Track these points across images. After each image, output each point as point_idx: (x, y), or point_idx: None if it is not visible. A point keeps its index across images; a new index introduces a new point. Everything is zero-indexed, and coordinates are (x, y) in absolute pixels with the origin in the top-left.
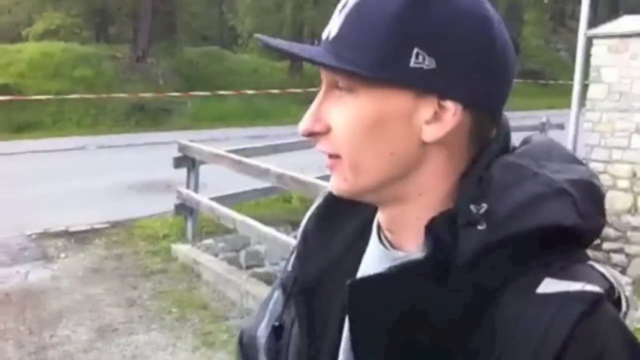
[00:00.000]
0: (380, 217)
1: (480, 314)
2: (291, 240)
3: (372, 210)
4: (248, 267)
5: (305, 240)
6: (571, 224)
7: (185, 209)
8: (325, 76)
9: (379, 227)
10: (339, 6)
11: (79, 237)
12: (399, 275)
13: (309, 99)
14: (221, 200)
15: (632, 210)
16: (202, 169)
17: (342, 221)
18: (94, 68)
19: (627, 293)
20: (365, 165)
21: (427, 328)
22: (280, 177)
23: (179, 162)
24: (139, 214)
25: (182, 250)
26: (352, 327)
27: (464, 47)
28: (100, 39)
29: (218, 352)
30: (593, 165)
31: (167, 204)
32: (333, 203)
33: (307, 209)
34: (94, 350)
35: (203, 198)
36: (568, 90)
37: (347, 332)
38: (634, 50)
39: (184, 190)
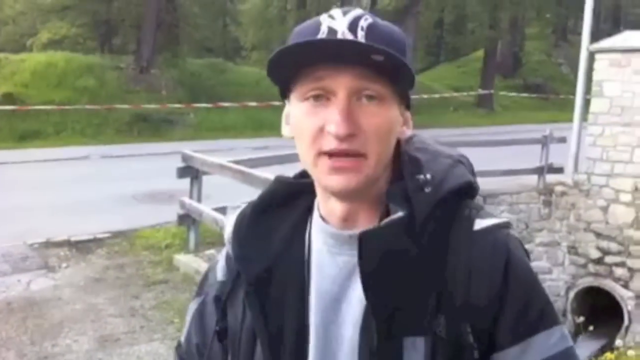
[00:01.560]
0: (336, 208)
1: (439, 252)
2: None
3: (304, 205)
4: None
5: (240, 244)
6: (474, 182)
7: (188, 219)
8: (351, 85)
9: (321, 215)
10: (343, 23)
11: (81, 247)
12: (393, 227)
13: None
14: (224, 210)
15: (635, 224)
16: (206, 179)
17: (274, 221)
18: (98, 78)
19: (630, 307)
20: (382, 162)
21: (409, 266)
22: None
23: (182, 172)
24: (142, 224)
25: (184, 260)
26: (362, 268)
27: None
28: (104, 49)
29: None
30: (595, 180)
31: (169, 214)
32: (261, 209)
33: None
34: None
35: (206, 208)
36: (570, 104)
37: (316, 304)
38: (636, 65)
39: (187, 201)
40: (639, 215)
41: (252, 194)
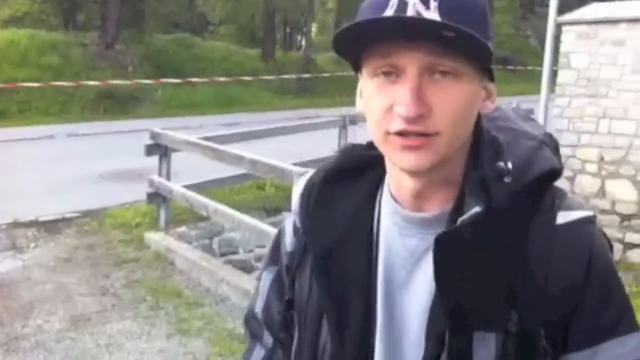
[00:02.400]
0: (408, 185)
1: (518, 245)
2: (265, 227)
3: (374, 179)
4: (222, 255)
5: (308, 215)
6: (559, 167)
7: (157, 197)
8: (422, 61)
9: (391, 193)
10: None
11: (50, 227)
12: (470, 225)
13: (281, 86)
14: (194, 187)
15: (600, 194)
16: (174, 156)
17: (342, 192)
18: (62, 55)
19: None
20: (458, 139)
21: (486, 262)
22: (254, 163)
23: (150, 150)
24: (111, 202)
25: (155, 238)
26: (437, 268)
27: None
28: (68, 26)
29: (193, 339)
30: (562, 151)
31: (139, 192)
32: (329, 180)
33: (282, 196)
34: (67, 340)
35: (176, 186)
36: (537, 76)
37: (382, 285)
38: (603, 37)
39: (156, 178)
40: (604, 185)
41: (223, 170)
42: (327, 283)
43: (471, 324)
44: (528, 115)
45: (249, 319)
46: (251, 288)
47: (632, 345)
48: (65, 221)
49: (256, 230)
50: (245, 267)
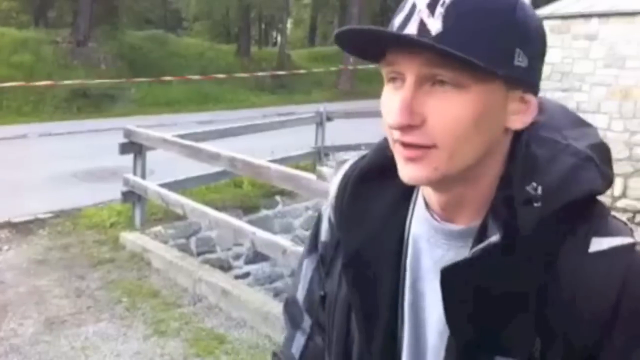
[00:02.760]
0: (432, 196)
1: (544, 272)
2: (242, 225)
3: (407, 186)
4: (199, 254)
5: (341, 212)
6: (600, 189)
7: (132, 196)
8: (419, 70)
9: (424, 199)
10: (422, 2)
11: (22, 228)
12: (483, 256)
13: (256, 83)
14: (170, 186)
15: None
16: (150, 155)
17: (377, 191)
18: (33, 53)
19: None
20: (462, 154)
21: (503, 291)
22: (231, 161)
23: (125, 148)
24: (85, 202)
25: (131, 238)
26: (446, 301)
27: (543, 48)
28: (39, 23)
29: (170, 340)
30: None
31: (113, 192)
32: (364, 177)
33: (259, 193)
34: (41, 343)
35: (151, 184)
36: None
37: (409, 293)
38: (576, 31)
39: (131, 177)
40: None
41: (199, 168)
42: (354, 283)
43: (492, 348)
44: (581, 119)
45: (290, 304)
46: (230, 287)
47: None
48: (39, 222)
49: (233, 229)
50: (223, 266)
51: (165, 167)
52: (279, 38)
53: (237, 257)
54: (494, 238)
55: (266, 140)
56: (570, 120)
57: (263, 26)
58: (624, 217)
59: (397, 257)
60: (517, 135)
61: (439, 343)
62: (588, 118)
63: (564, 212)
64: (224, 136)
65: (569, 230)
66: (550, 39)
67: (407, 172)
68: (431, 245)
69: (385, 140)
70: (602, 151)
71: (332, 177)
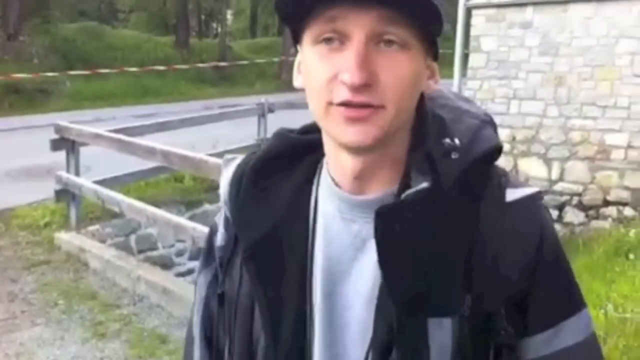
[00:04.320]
0: (349, 166)
1: (469, 224)
2: (182, 221)
3: (310, 165)
4: (140, 252)
5: (238, 205)
6: (501, 145)
7: (67, 195)
8: (371, 27)
9: (332, 177)
10: None
11: None
12: (416, 200)
13: (197, 75)
14: (106, 183)
15: (513, 172)
16: (87, 151)
17: (277, 181)
18: None
19: None
20: (404, 113)
21: (435, 242)
22: (166, 155)
23: (56, 145)
24: (17, 202)
25: (66, 238)
26: (380, 248)
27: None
28: None
29: (110, 342)
30: None
31: (48, 190)
32: (261, 167)
33: (201, 188)
34: None
35: (86, 182)
36: (449, 60)
37: (322, 276)
38: (511, 20)
39: (64, 175)
40: (516, 163)
41: (137, 163)
42: (257, 275)
43: (423, 310)
44: (466, 98)
45: (187, 338)
46: (171, 285)
47: (585, 319)
48: None
49: (172, 225)
50: (165, 264)
51: (103, 164)
52: (219, 29)
53: (180, 253)
54: (425, 184)
55: (209, 133)
56: (459, 97)
57: (203, 17)
58: (561, 199)
59: (303, 243)
60: (421, 101)
61: (365, 319)
62: (524, 105)
63: (477, 165)
64: (161, 130)
65: (484, 183)
66: (486, 28)
67: (350, 134)
68: (346, 221)
69: (283, 128)
70: (492, 121)
71: (220, 176)
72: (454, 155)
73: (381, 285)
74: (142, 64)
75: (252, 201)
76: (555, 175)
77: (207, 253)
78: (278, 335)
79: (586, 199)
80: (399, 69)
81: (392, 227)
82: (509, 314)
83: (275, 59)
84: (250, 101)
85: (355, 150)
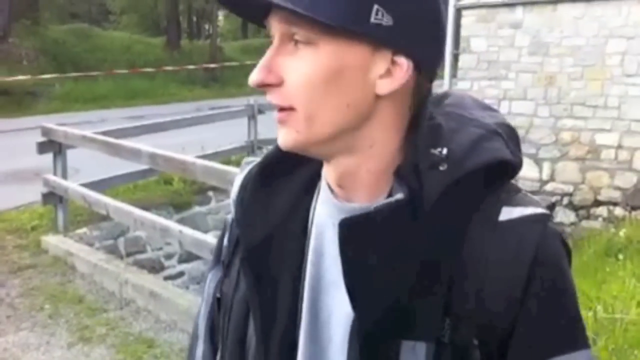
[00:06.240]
0: (328, 174)
1: (453, 244)
2: (169, 224)
3: (313, 170)
4: (129, 255)
5: (242, 208)
6: (510, 159)
7: (54, 198)
8: (279, 28)
9: (327, 183)
10: None
11: None
12: (385, 212)
13: (188, 77)
14: (93, 186)
15: None
16: (77, 153)
17: (280, 184)
18: None
19: None
20: (320, 117)
21: (410, 260)
22: (152, 157)
23: (43, 147)
24: (5, 206)
25: (53, 241)
26: (344, 261)
27: (419, 11)
28: None
29: (96, 347)
30: None
31: (35, 193)
32: (267, 169)
33: (191, 190)
34: None
35: (72, 185)
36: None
37: (309, 285)
38: (501, 20)
39: (51, 177)
40: None
41: (126, 166)
42: (253, 279)
43: (397, 333)
44: (488, 105)
45: (192, 334)
46: (158, 288)
47: None
48: None
49: (159, 228)
50: (154, 267)
51: (91, 166)
52: (211, 30)
53: (169, 256)
54: (399, 195)
55: (199, 135)
56: (477, 104)
57: (194, 19)
58: (552, 200)
59: (299, 249)
60: (420, 109)
61: (344, 336)
62: (515, 105)
63: (472, 180)
64: (149, 132)
65: (479, 200)
66: (476, 28)
67: (279, 136)
68: (336, 228)
69: None
70: (510, 130)
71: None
72: (442, 167)
73: None
74: (133, 65)
75: (254, 205)
76: (546, 175)
77: (218, 250)
78: (268, 342)
79: (577, 199)
80: (302, 67)
81: (357, 239)
82: (485, 348)
83: None
84: (241, 102)
85: (289, 151)
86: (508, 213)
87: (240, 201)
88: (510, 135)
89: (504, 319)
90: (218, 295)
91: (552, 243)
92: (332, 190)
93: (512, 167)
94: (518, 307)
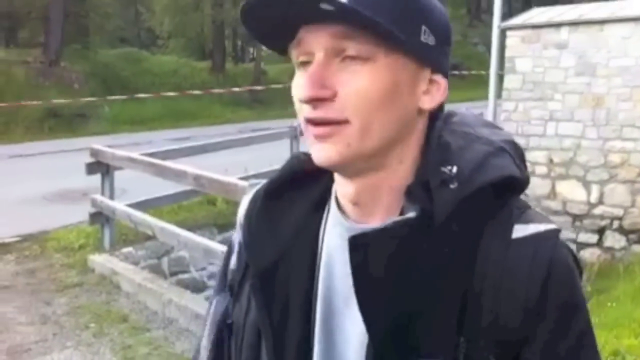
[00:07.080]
0: (344, 190)
1: (466, 260)
2: (212, 244)
3: (322, 189)
4: (172, 274)
5: (250, 231)
6: (517, 175)
7: (100, 218)
8: (327, 44)
9: (338, 203)
10: None
11: None
12: (397, 230)
13: (233, 99)
14: (139, 206)
15: (551, 195)
16: (124, 174)
17: (287, 206)
18: (4, 74)
19: None
20: (374, 130)
21: (422, 277)
22: (197, 178)
23: (91, 168)
24: (53, 225)
25: (99, 260)
26: (356, 278)
27: (449, 33)
28: (9, 43)
29: None
30: None
31: (83, 213)
32: (274, 191)
33: (234, 211)
34: None
35: (119, 205)
36: (485, 82)
37: (321, 308)
38: (545, 41)
39: (99, 198)
40: (554, 186)
41: (172, 187)
42: (264, 303)
43: (413, 349)
44: (491, 123)
45: (194, 357)
46: (201, 309)
47: None
48: (4, 246)
49: (202, 248)
50: (197, 287)
51: (138, 187)
52: (255, 54)
53: (212, 276)
54: (411, 214)
55: (242, 156)
56: (482, 122)
57: (239, 43)
58: (601, 223)
59: (310, 271)
60: (431, 126)
61: (360, 356)
62: (562, 126)
63: (482, 196)
64: (193, 154)
65: (489, 216)
66: (521, 49)
67: (318, 151)
68: (347, 250)
69: (299, 152)
70: (515, 147)
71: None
72: (452, 185)
73: None
74: (179, 88)
75: (263, 224)
76: (594, 198)
77: (223, 275)
78: None
79: (627, 223)
80: (359, 81)
81: (369, 257)
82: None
83: None
84: (284, 124)
85: (333, 170)
86: (522, 230)
87: (248, 225)
88: (516, 152)
89: (519, 334)
90: (229, 321)
91: (564, 259)
92: (342, 211)
93: (519, 183)
94: (533, 322)
